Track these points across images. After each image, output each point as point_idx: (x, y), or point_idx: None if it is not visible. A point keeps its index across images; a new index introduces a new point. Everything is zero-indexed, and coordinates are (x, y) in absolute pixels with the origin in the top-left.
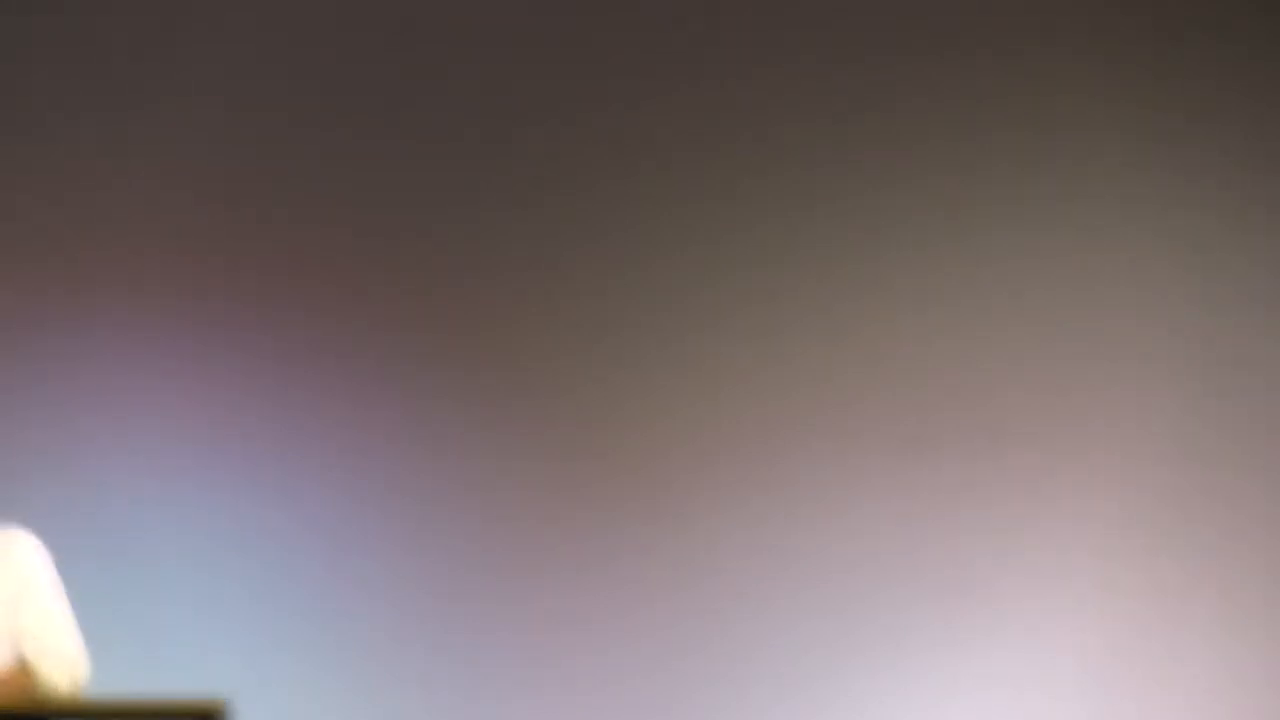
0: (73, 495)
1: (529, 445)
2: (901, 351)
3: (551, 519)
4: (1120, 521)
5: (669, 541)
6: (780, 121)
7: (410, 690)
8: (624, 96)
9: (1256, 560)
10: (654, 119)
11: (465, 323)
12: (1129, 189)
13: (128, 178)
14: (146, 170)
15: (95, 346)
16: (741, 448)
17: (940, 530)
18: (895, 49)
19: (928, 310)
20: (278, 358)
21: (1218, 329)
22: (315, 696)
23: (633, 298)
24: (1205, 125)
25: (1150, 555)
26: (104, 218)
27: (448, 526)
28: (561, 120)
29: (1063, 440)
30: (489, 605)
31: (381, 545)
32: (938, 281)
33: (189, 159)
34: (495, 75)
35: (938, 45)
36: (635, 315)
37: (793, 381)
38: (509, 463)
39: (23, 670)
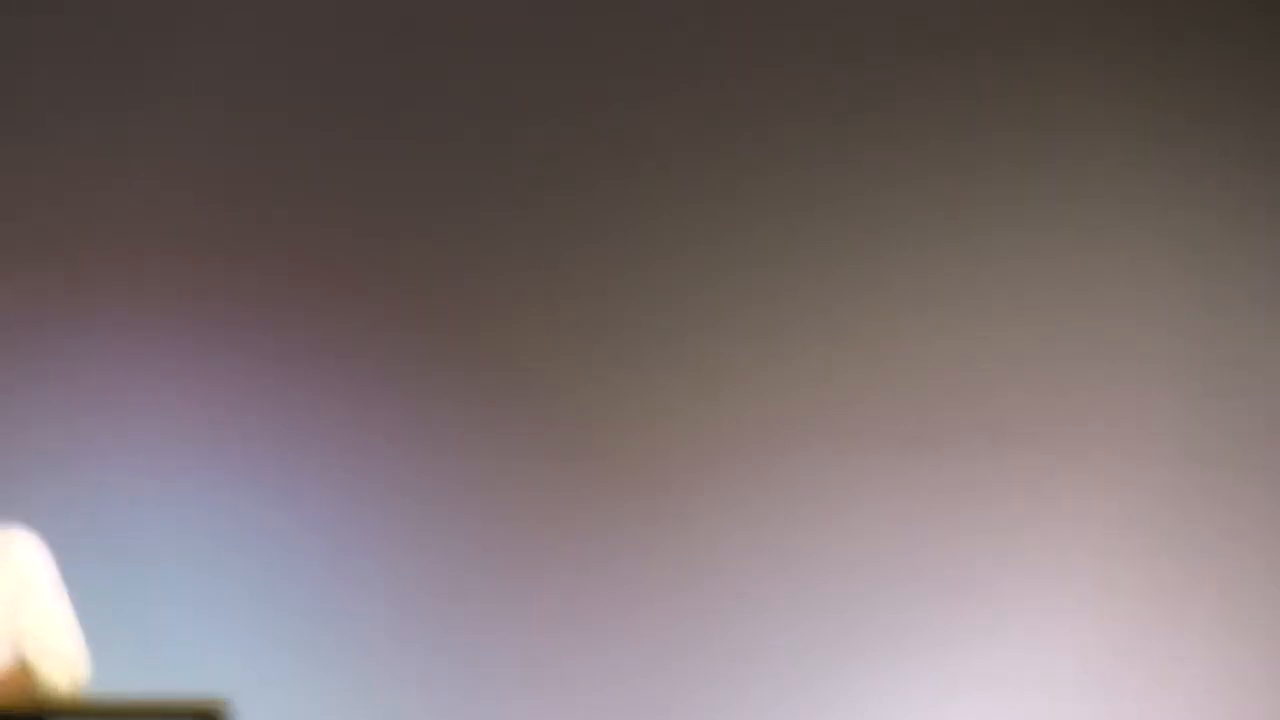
0: (73, 495)
1: (529, 445)
2: (901, 351)
3: (551, 519)
4: (1120, 521)
5: (669, 541)
6: (780, 121)
7: (410, 690)
8: (624, 96)
9: (1256, 560)
10: (654, 119)
11: (465, 323)
12: (1129, 189)
13: (128, 178)
14: (146, 170)
15: (95, 346)
16: (741, 448)
17: (940, 530)
18: (895, 49)
19: (928, 310)
20: (278, 358)
21: (1218, 329)
22: (315, 696)
23: (633, 298)
24: (1205, 125)
25: (1150, 555)
26: (104, 218)
27: (448, 526)
28: (561, 120)
29: (1063, 440)
30: (489, 605)
31: (381, 545)
32: (938, 281)
33: (189, 159)
34: (495, 75)
35: (938, 45)
36: (635, 315)
37: (793, 381)
38: (509, 463)
39: (23, 670)
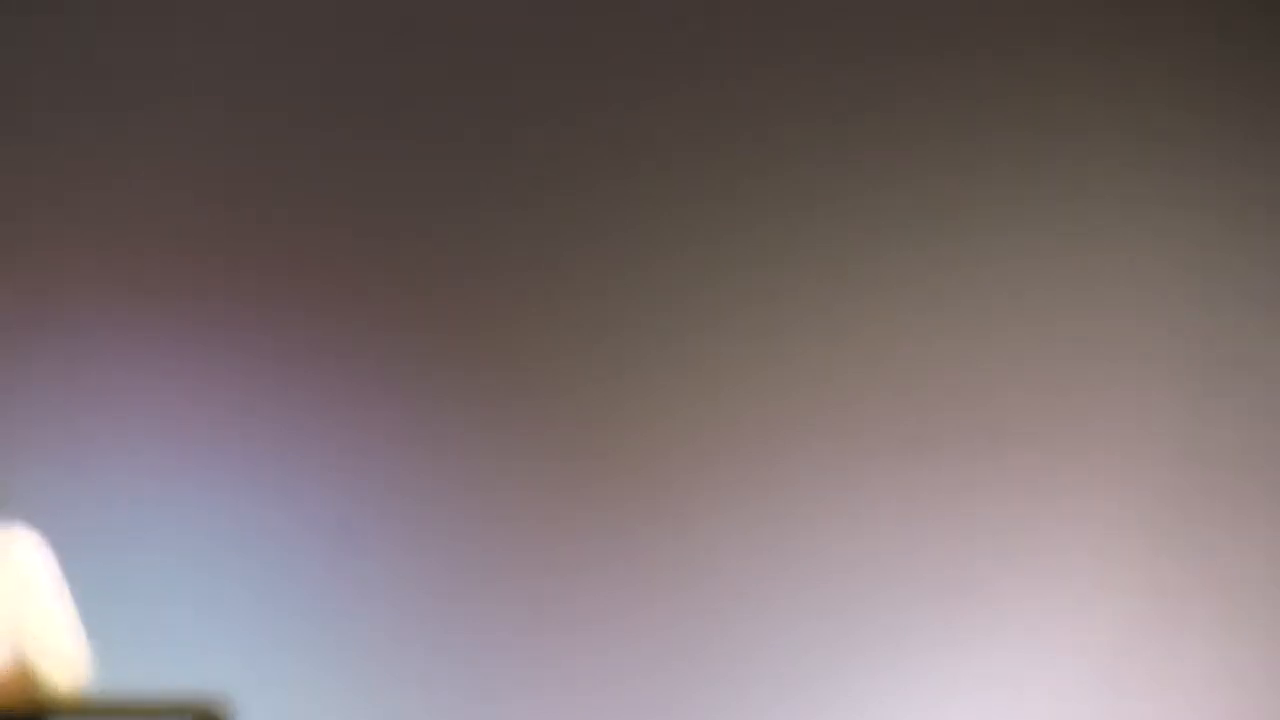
0: (73, 495)
1: (529, 445)
2: (901, 351)
3: (551, 519)
4: (1120, 521)
5: (669, 541)
6: (780, 121)
7: (410, 690)
8: (624, 96)
9: (1257, 560)
10: (654, 119)
11: (465, 323)
12: (1129, 189)
13: (128, 178)
14: (146, 170)
15: (95, 346)
16: (741, 448)
17: (940, 530)
18: (895, 49)
19: (928, 310)
20: (278, 358)
21: (1218, 329)
22: (315, 696)
23: (633, 298)
24: (1205, 125)
25: (1150, 555)
26: (104, 218)
27: (448, 526)
28: (561, 120)
29: (1063, 440)
30: (489, 605)
31: (381, 545)
32: (938, 281)
33: (189, 159)
34: (495, 75)
35: (938, 45)
36: (635, 315)
37: (793, 381)
38: (509, 463)
39: (23, 670)
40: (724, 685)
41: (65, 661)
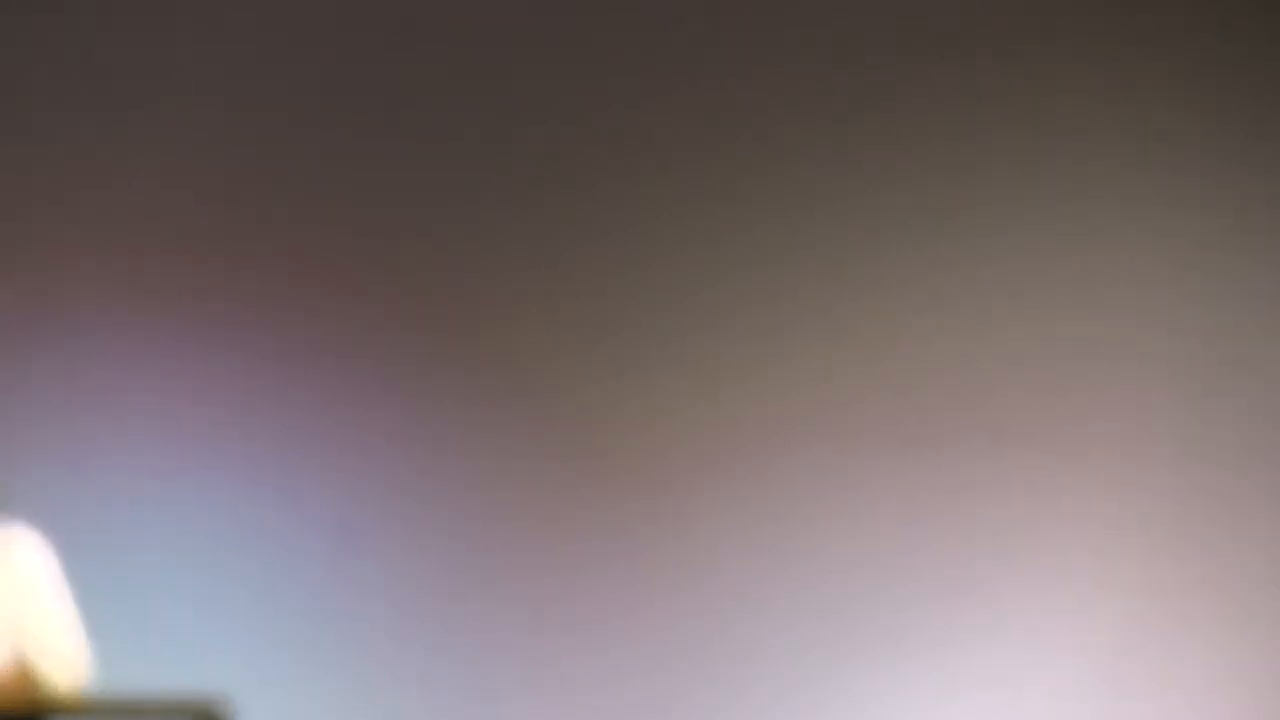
0: (73, 495)
1: (529, 445)
2: (901, 351)
3: (551, 519)
4: (1120, 521)
5: (669, 541)
6: (780, 121)
7: (410, 690)
8: (624, 96)
9: (1257, 560)
10: (654, 119)
11: (465, 323)
12: (1129, 189)
13: (128, 178)
14: (146, 170)
15: (95, 346)
16: (741, 448)
17: (940, 530)
18: (895, 49)
19: (928, 310)
20: (278, 358)
21: (1218, 329)
22: (315, 696)
23: (633, 298)
24: (1205, 125)
25: (1150, 555)
26: (104, 218)
27: (448, 526)
28: (561, 120)
29: (1063, 440)
30: (489, 605)
31: (381, 545)
32: (938, 281)
33: (189, 159)
34: (495, 75)
35: (938, 45)
36: (635, 315)
37: (793, 381)
38: (509, 463)
39: (23, 670)
40: (724, 685)
41: (65, 661)
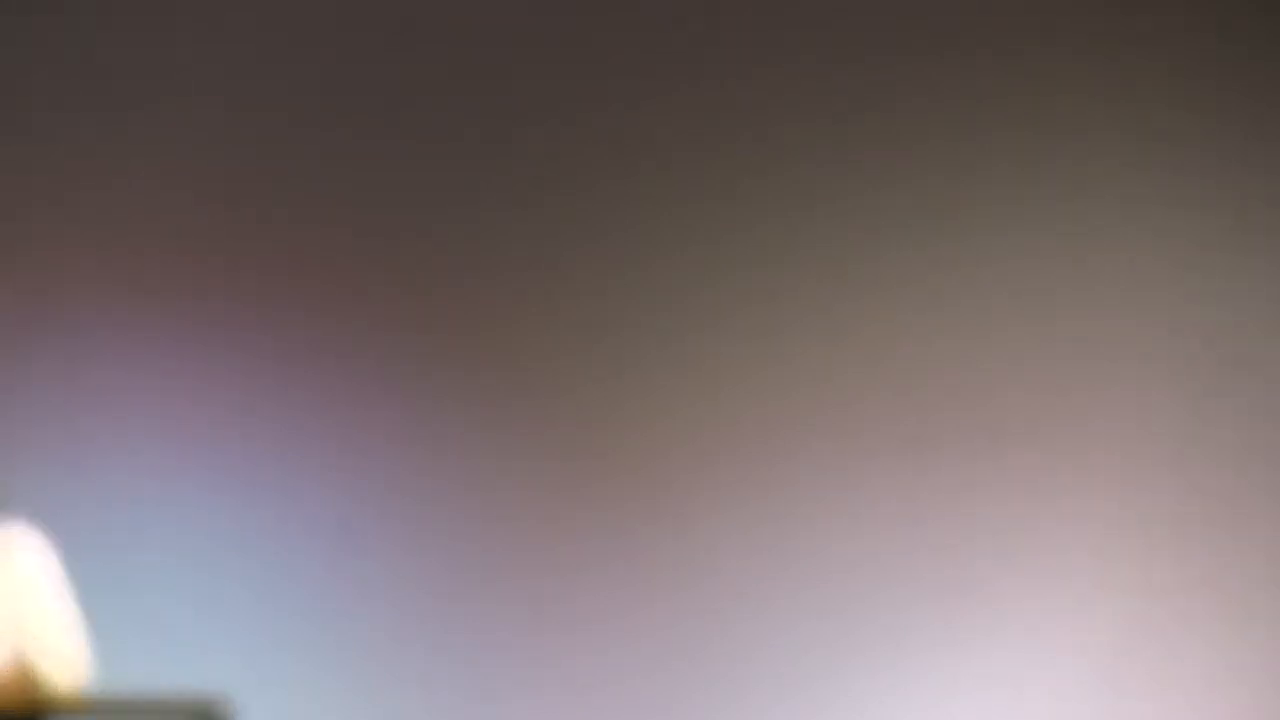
0: (73, 495)
1: (529, 445)
2: (902, 351)
3: (551, 519)
4: (1120, 521)
5: (669, 541)
6: (780, 121)
7: (410, 690)
8: (624, 96)
9: (1257, 560)
10: (654, 119)
11: (465, 323)
12: (1129, 189)
13: (128, 178)
14: (146, 170)
15: (95, 346)
16: (741, 448)
17: (940, 530)
18: (895, 49)
19: (928, 310)
20: (278, 358)
21: (1218, 329)
22: (315, 696)
23: (633, 298)
24: (1205, 125)
25: (1150, 555)
26: (104, 218)
27: (448, 526)
28: (561, 120)
29: (1063, 440)
30: (489, 605)
31: (381, 545)
32: (938, 281)
33: (189, 159)
34: (495, 75)
35: (938, 45)
36: (635, 315)
37: (793, 381)
38: (509, 463)
39: (23, 670)
40: (724, 685)
41: (65, 661)
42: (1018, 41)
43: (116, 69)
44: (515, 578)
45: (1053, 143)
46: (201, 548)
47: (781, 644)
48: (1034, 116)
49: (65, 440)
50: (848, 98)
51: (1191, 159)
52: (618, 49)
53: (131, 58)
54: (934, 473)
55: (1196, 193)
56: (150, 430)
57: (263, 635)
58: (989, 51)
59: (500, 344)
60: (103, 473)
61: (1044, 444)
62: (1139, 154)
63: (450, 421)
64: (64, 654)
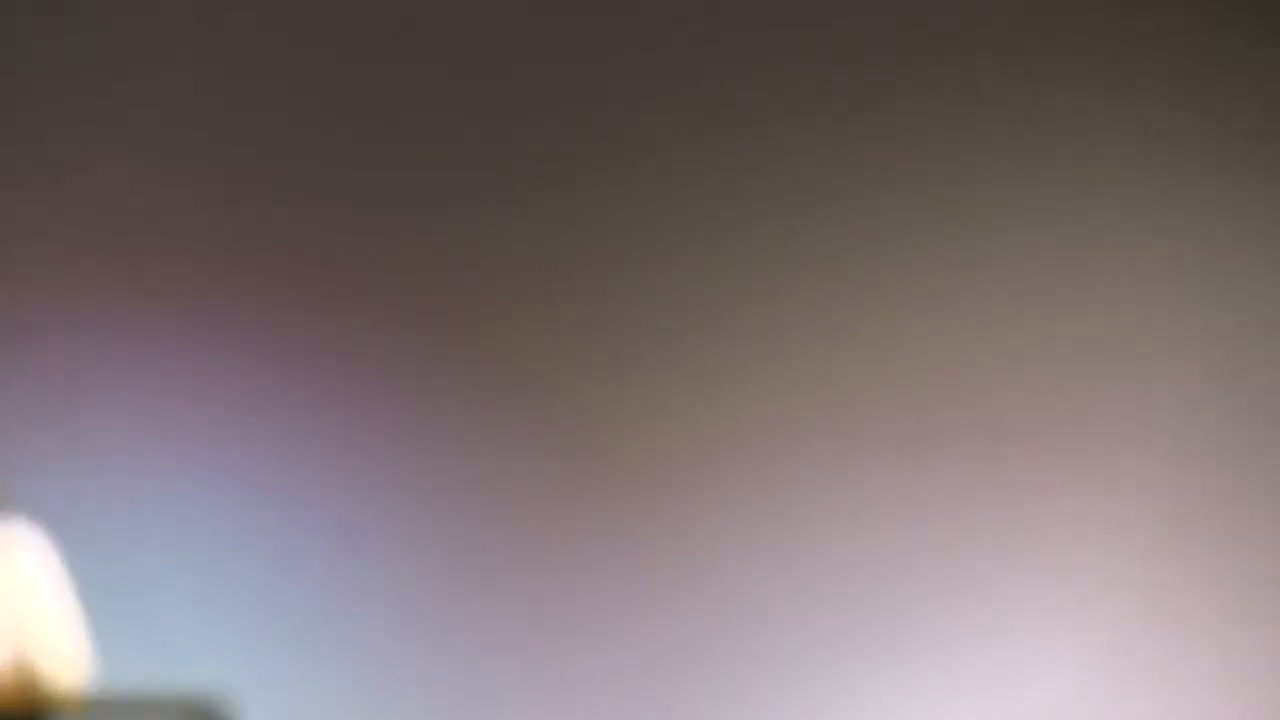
0: (73, 495)
1: (529, 445)
2: (902, 351)
3: (551, 519)
4: (1120, 521)
5: (669, 541)
6: (780, 121)
7: (410, 690)
8: (624, 96)
9: (1257, 560)
10: (654, 119)
11: (465, 323)
12: (1129, 189)
13: (128, 178)
14: (146, 170)
15: (95, 346)
16: (741, 448)
17: (941, 530)
18: (895, 49)
19: (928, 310)
20: (278, 358)
21: (1218, 329)
22: (315, 696)
23: (633, 298)
24: (1205, 125)
25: (1151, 555)
26: (104, 218)
27: (448, 526)
28: (561, 120)
29: (1063, 440)
30: (489, 605)
31: (381, 545)
32: (938, 281)
33: (189, 159)
34: (495, 75)
35: (938, 45)
36: (635, 315)
37: (793, 381)
38: (509, 463)
39: (23, 670)
40: (724, 685)
41: (66, 661)
42: (1018, 41)
43: (116, 69)
44: (515, 578)
45: (1053, 143)
46: (201, 548)
47: (781, 644)
48: (1034, 116)
49: (65, 440)
50: (848, 98)
51: (1191, 159)
52: (618, 49)
53: (132, 57)
54: (934, 473)
55: (1196, 193)
56: (150, 430)
57: (263, 635)
58: (989, 51)
59: (500, 344)
60: (103, 473)
61: (1044, 444)
62: (1139, 154)
63: (450, 421)
64: (64, 654)
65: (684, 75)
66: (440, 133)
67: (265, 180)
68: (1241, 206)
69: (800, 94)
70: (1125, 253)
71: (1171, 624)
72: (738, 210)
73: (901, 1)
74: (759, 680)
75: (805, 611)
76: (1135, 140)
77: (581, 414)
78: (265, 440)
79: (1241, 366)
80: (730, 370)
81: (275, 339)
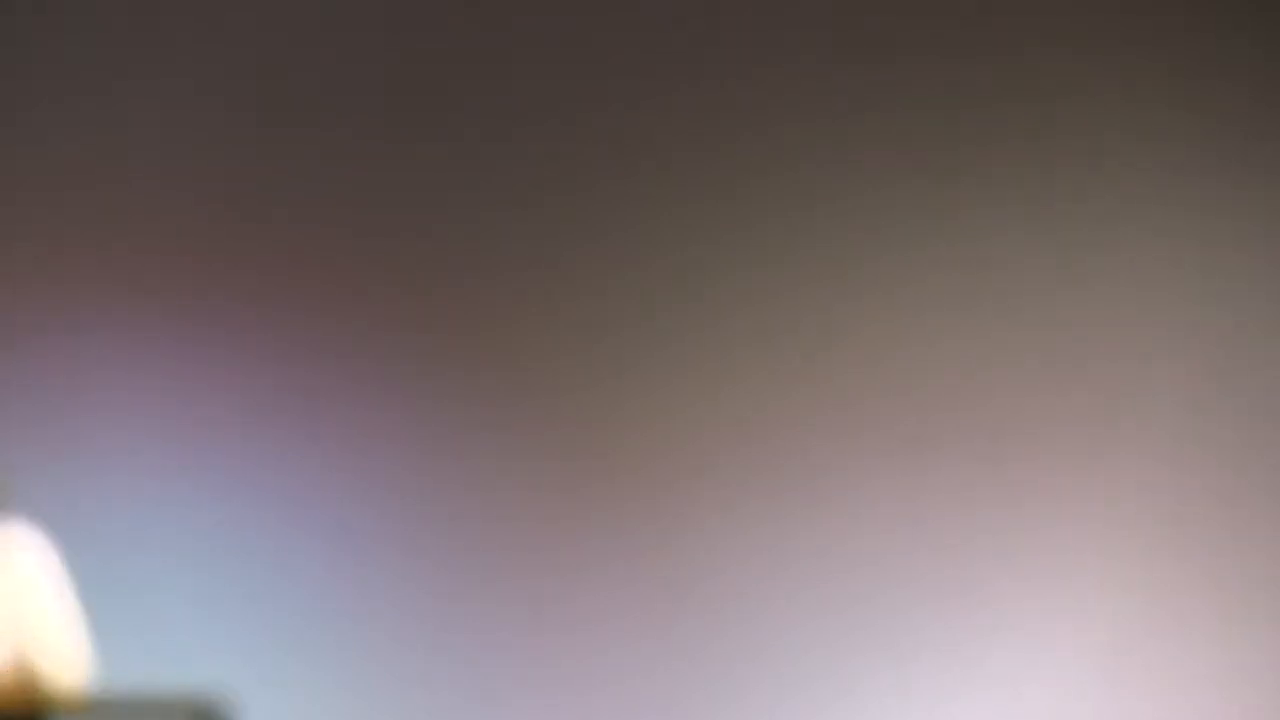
0: (73, 495)
1: (529, 445)
2: (902, 352)
3: (551, 519)
4: (1121, 521)
5: (669, 541)
6: (780, 121)
7: (410, 690)
8: (624, 96)
9: (1257, 560)
10: (654, 119)
11: (465, 323)
12: (1129, 189)
13: (128, 178)
14: (146, 170)
15: (95, 346)
16: (742, 448)
17: (941, 531)
18: (895, 49)
19: (928, 311)
20: (278, 358)
21: (1218, 329)
22: (315, 696)
23: (633, 298)
24: (1205, 125)
25: (1151, 555)
26: (104, 218)
27: (448, 526)
28: (561, 120)
29: (1063, 440)
30: (489, 605)
31: (381, 545)
32: (938, 282)
33: (189, 159)
34: (495, 75)
35: (938, 45)
36: (635, 315)
37: (793, 381)
38: (509, 463)
39: (23, 670)
40: (724, 685)
41: (65, 661)
42: (1018, 42)
43: (116, 69)
44: (515, 578)
45: (1053, 143)
46: (201, 548)
47: (782, 644)
48: (1034, 117)
49: (65, 440)
50: (848, 98)
51: (1191, 159)
52: (618, 49)
53: (131, 58)
54: (934, 473)
55: (1196, 193)
56: (150, 430)
57: (263, 635)
58: (989, 52)
59: (500, 344)
60: (103, 473)
61: (1044, 444)
62: (1139, 154)
63: (450, 421)
64: (64, 654)
65: (684, 75)
66: (440, 133)
67: (265, 180)
68: (1241, 206)
69: (800, 94)
70: (1125, 253)
71: (1171, 624)
72: (738, 210)
73: (901, 1)
74: (759, 680)
75: (805, 611)
76: (1135, 140)
77: (581, 414)
78: (265, 440)
79: (1241, 366)
80: (730, 370)
81: (275, 339)
